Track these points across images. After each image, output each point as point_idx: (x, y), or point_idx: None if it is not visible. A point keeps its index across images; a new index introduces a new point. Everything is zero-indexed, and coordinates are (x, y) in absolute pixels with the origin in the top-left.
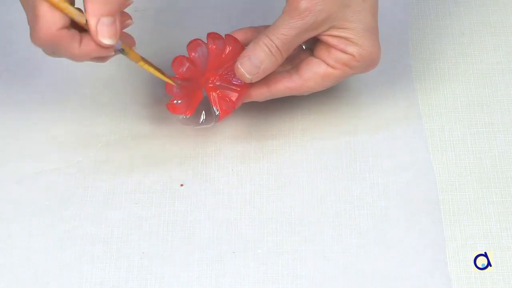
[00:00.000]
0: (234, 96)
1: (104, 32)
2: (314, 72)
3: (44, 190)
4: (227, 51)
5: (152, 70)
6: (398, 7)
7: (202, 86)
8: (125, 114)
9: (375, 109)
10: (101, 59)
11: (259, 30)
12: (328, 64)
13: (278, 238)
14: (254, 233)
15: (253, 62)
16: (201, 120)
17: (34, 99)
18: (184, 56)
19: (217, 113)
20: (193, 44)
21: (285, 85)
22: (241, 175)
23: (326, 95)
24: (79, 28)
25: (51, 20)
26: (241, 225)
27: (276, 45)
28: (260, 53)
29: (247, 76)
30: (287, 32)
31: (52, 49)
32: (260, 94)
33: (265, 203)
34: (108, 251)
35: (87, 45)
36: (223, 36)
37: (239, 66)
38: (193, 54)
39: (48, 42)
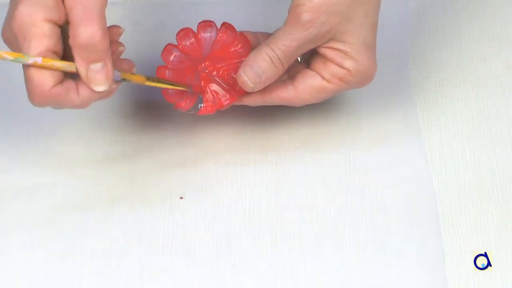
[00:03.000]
0: (225, 97)
1: (95, 80)
2: (309, 85)
3: (44, 203)
4: (238, 47)
5: (160, 84)
6: (397, 19)
7: (196, 72)
8: (125, 126)
9: (375, 122)
10: (106, 96)
11: (256, 35)
12: (323, 78)
13: (278, 251)
14: (253, 246)
15: (255, 71)
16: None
17: (34, 111)
18: (192, 30)
19: (200, 105)
20: (205, 23)
21: (279, 95)
22: (241, 188)
23: (325, 107)
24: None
25: (40, 81)
26: (241, 238)
27: (277, 56)
28: (262, 63)
29: (250, 84)
30: (289, 43)
31: (53, 106)
32: (252, 100)
33: (264, 217)
34: (107, 264)
35: (85, 91)
36: (237, 30)
37: (242, 74)
38: (202, 33)
39: (45, 102)
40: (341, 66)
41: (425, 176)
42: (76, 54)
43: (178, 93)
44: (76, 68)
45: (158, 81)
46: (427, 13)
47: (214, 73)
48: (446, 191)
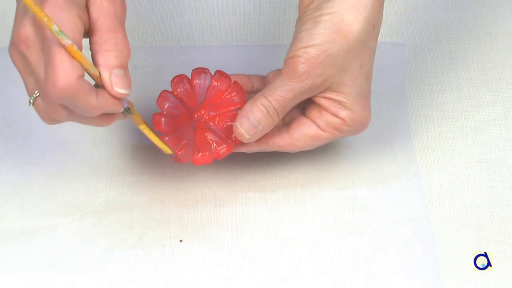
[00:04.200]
0: (222, 147)
1: (117, 83)
2: (304, 133)
3: (44, 245)
4: (232, 95)
5: (152, 136)
6: (396, 64)
7: (191, 120)
8: (124, 169)
9: (374, 165)
10: (107, 119)
11: (251, 78)
12: (318, 126)
13: None
14: None
15: (251, 122)
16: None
17: (34, 154)
18: (186, 76)
19: (199, 155)
20: (199, 70)
21: (274, 143)
22: (240, 231)
23: (325, 150)
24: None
25: (70, 68)
26: (241, 281)
27: (273, 106)
28: (258, 113)
29: (247, 136)
30: (284, 94)
31: (71, 100)
32: (248, 147)
33: (264, 259)
34: None
35: (102, 96)
36: (230, 78)
37: (238, 126)
38: (196, 80)
39: (67, 92)
40: (336, 116)
41: (424, 219)
42: (101, 58)
43: (173, 140)
44: (99, 73)
45: (151, 131)
46: (426, 59)
47: (210, 123)
48: (445, 234)
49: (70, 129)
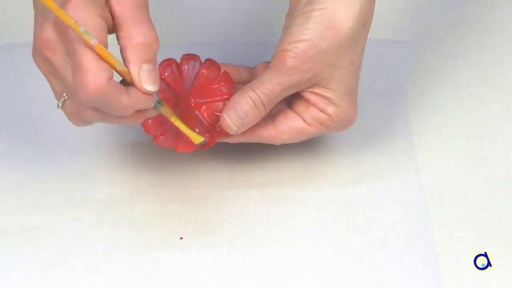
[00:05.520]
0: (205, 137)
1: (146, 79)
2: (290, 126)
3: (43, 243)
4: (220, 84)
5: (184, 127)
6: (396, 62)
7: (177, 106)
8: (124, 167)
9: (374, 162)
10: (140, 116)
11: (239, 69)
12: (304, 120)
13: None
14: (253, 286)
15: (238, 114)
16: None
17: (34, 152)
18: (175, 60)
19: (182, 142)
20: (189, 56)
21: (259, 134)
22: (241, 228)
23: (325, 148)
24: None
25: (100, 71)
26: (241, 279)
27: (261, 99)
28: (245, 106)
29: (233, 127)
30: (272, 88)
31: (102, 102)
32: (232, 138)
33: (264, 257)
34: None
35: (133, 94)
36: (220, 68)
37: (225, 117)
38: (184, 66)
39: (99, 94)
40: (323, 112)
41: (424, 216)
42: (129, 53)
43: (157, 125)
44: (128, 69)
45: (182, 123)
46: (426, 56)
47: (196, 111)
48: (445, 231)
49: (70, 127)
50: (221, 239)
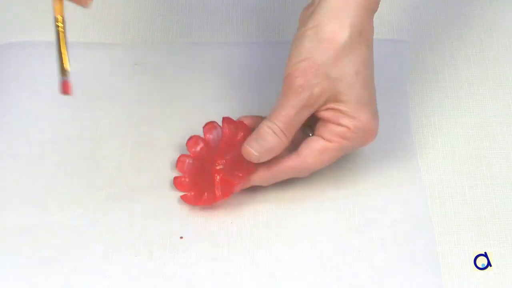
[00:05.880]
0: (235, 178)
1: None
2: (311, 148)
3: (44, 243)
4: (239, 136)
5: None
6: (396, 61)
7: (208, 168)
8: (124, 166)
9: (374, 162)
10: None
11: (255, 120)
12: (324, 138)
13: None
14: (254, 285)
15: (259, 143)
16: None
17: (34, 152)
18: (199, 136)
19: (205, 195)
20: (209, 126)
21: (285, 165)
22: (241, 228)
23: None
24: None
25: None
26: (241, 278)
27: (278, 127)
28: (265, 135)
29: (255, 153)
30: (286, 113)
31: None
32: (262, 177)
33: (264, 256)
34: None
35: None
36: (235, 120)
37: (246, 146)
38: (208, 135)
39: None
40: (339, 124)
41: (425, 216)
42: None
43: (196, 196)
44: None
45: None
46: (427, 56)
47: (223, 166)
48: (445, 231)
49: (71, 126)
50: (221, 238)
